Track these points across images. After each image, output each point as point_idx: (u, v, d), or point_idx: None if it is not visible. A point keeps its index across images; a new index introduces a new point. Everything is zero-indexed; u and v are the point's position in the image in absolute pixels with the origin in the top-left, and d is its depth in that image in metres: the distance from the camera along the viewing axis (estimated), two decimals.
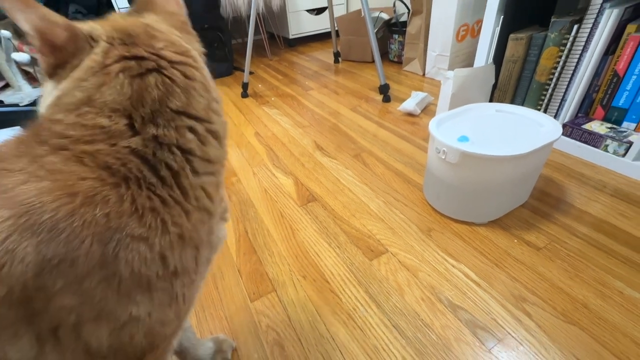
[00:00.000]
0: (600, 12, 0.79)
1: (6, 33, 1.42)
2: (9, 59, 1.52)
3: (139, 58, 0.25)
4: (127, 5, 1.62)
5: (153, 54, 0.26)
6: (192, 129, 0.27)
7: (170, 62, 0.27)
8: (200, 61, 0.30)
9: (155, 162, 0.25)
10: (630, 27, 0.78)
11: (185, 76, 0.27)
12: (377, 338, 0.51)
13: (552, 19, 0.88)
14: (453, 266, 0.62)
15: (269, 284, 0.62)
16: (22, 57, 1.51)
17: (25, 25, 0.23)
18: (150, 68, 0.26)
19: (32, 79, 1.75)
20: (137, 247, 0.23)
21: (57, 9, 1.67)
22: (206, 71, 0.30)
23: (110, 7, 1.76)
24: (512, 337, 0.50)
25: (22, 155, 0.22)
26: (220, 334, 0.54)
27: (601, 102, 0.87)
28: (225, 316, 0.57)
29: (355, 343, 0.51)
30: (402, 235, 0.69)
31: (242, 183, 0.91)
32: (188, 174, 0.27)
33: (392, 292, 0.58)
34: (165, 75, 0.26)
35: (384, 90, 1.32)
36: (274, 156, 1.03)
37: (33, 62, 1.66)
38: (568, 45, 0.86)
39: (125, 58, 0.25)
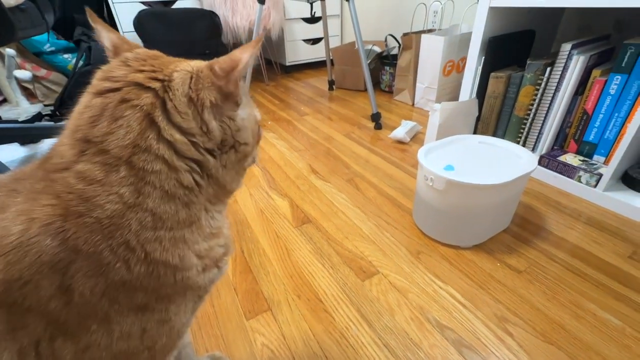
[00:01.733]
0: (569, 57, 0.88)
1: (10, 51, 1.46)
2: (10, 76, 1.55)
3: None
4: (132, 29, 1.69)
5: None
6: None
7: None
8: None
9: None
10: (596, 72, 0.88)
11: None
12: (369, 356, 0.53)
13: (528, 61, 0.98)
14: (440, 288, 0.65)
15: (264, 303, 0.63)
16: (24, 74, 1.55)
17: (106, 42, 0.29)
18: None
19: (30, 96, 1.78)
20: (88, 281, 0.23)
21: (64, 31, 1.72)
22: None
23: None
24: (495, 355, 0.53)
25: (30, 177, 0.25)
26: (217, 351, 0.55)
27: (574, 136, 0.95)
28: (221, 334, 0.58)
29: None
30: (392, 257, 0.73)
31: (239, 204, 0.94)
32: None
33: (383, 312, 0.61)
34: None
35: (375, 118, 1.39)
36: (270, 178, 1.06)
37: (34, 79, 1.69)
38: (542, 85, 0.95)
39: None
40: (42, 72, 1.71)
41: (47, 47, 1.72)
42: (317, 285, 0.67)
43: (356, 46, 1.52)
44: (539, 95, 0.97)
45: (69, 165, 0.24)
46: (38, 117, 1.60)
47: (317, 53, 2.37)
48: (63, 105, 1.60)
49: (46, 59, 1.73)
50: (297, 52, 2.31)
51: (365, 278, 0.68)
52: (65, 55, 1.78)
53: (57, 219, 0.23)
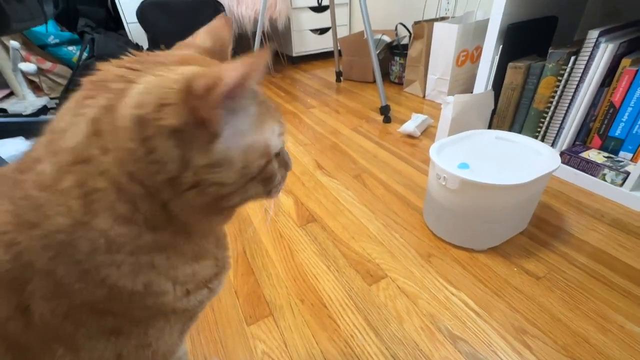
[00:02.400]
0: (596, 45, 0.81)
1: (15, 44, 1.44)
2: (15, 69, 1.54)
3: None
4: (135, 20, 1.65)
5: None
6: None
7: None
8: None
9: None
10: (625, 61, 0.81)
11: None
12: None
13: (550, 50, 0.91)
14: (453, 294, 0.61)
15: (265, 308, 0.61)
16: (29, 67, 1.53)
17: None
18: None
19: (36, 89, 1.77)
20: (47, 302, 0.21)
21: (68, 23, 1.69)
22: None
23: (118, 22, 1.80)
24: None
25: (2, 176, 0.23)
26: (215, 358, 0.53)
27: (598, 131, 0.89)
28: (220, 340, 0.56)
29: None
30: (401, 260, 0.69)
31: None
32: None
33: (390, 319, 0.57)
34: None
35: (384, 111, 1.34)
36: None
37: (39, 72, 1.68)
38: (565, 76, 0.89)
39: None
40: (48, 64, 1.70)
41: (52, 40, 1.70)
42: (322, 289, 0.64)
43: (365, 36, 1.46)
44: (561, 87, 0.90)
45: (33, 165, 0.21)
46: (43, 110, 1.59)
47: (324, 43, 2.31)
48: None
49: (51, 51, 1.71)
50: (304, 43, 2.25)
51: (372, 282, 0.64)
52: (70, 48, 1.75)
53: (11, 228, 0.20)
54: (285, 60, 2.37)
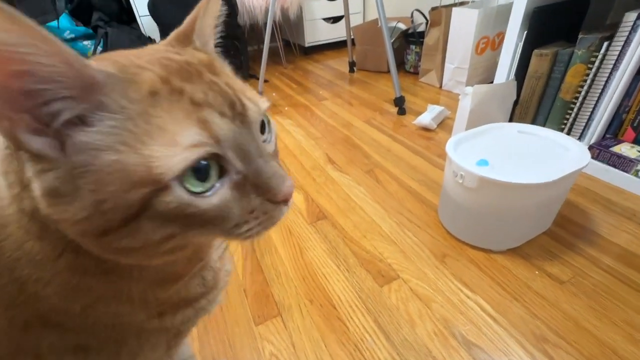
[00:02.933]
0: (633, 29, 0.74)
1: None
2: None
3: None
4: (147, 13, 1.65)
5: None
6: None
7: None
8: None
9: None
10: None
11: None
12: None
13: (580, 36, 0.84)
14: (468, 297, 0.58)
15: (274, 307, 0.60)
16: None
17: None
18: None
19: None
20: (4, 311, 0.20)
21: (83, 17, 1.70)
22: None
23: (131, 15, 1.80)
24: None
25: None
26: (223, 358, 0.52)
27: (632, 123, 0.82)
28: (228, 340, 0.55)
29: None
30: (414, 261, 0.66)
31: None
32: None
33: (402, 323, 0.55)
34: None
35: (399, 102, 1.29)
36: (285, 169, 1.01)
37: None
38: (597, 63, 0.82)
39: None
40: None
41: (68, 35, 1.72)
42: (331, 289, 0.62)
43: (379, 24, 1.40)
44: (591, 75, 0.84)
45: None
46: None
47: (337, 32, 2.25)
48: None
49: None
50: (317, 32, 2.19)
51: (384, 283, 0.62)
52: (85, 42, 1.77)
53: None
54: (297, 51, 2.33)
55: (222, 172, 0.19)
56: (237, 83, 0.21)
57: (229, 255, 0.32)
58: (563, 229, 0.70)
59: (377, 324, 0.55)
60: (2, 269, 0.19)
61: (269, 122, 0.24)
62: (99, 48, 1.62)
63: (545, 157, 0.63)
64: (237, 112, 0.19)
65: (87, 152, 0.16)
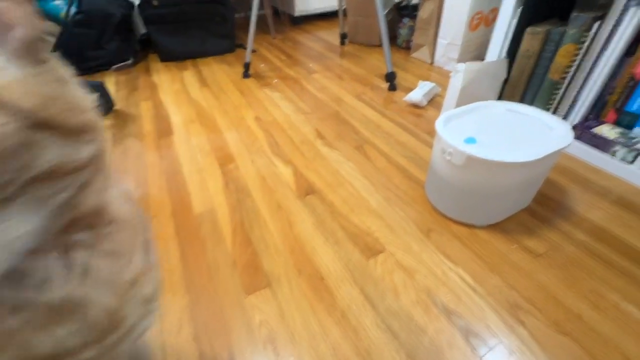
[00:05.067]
0: (625, 10, 0.75)
1: None
2: None
3: None
4: None
5: None
6: None
7: None
8: None
9: None
10: None
11: None
12: (370, 339, 0.51)
13: (573, 14, 0.84)
14: (450, 269, 0.61)
15: (263, 278, 0.61)
16: None
17: None
18: None
19: None
20: None
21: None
22: None
23: None
24: (505, 345, 0.50)
25: None
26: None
27: (615, 105, 0.84)
28: (219, 309, 0.57)
29: (348, 343, 0.51)
30: (400, 234, 0.68)
31: (240, 170, 0.89)
32: None
33: (387, 292, 0.58)
34: None
35: (390, 78, 1.27)
36: (274, 143, 1.00)
37: None
38: (587, 43, 0.82)
39: None
40: None
41: None
42: (320, 261, 0.64)
43: None
44: (580, 55, 0.84)
45: None
46: None
47: (329, 1, 2.15)
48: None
49: (37, 6, 1.60)
50: (307, 1, 2.10)
51: (370, 256, 0.64)
52: (57, 2, 1.64)
53: None
54: (286, 21, 2.24)
55: None
56: None
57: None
58: (542, 206, 0.73)
59: (363, 293, 0.58)
60: None
61: None
62: (73, 9, 1.50)
63: (531, 136, 0.64)
64: None
65: None
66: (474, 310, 0.54)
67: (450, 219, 0.71)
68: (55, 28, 1.63)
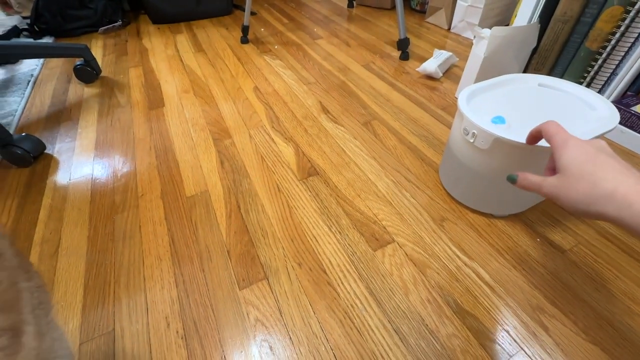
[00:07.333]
0: None
1: None
2: None
3: None
4: None
5: None
6: None
7: None
8: None
9: None
10: None
11: None
12: (375, 342, 0.47)
13: None
14: (465, 264, 0.55)
15: (260, 270, 0.56)
16: None
17: None
18: None
19: (5, 5, 1.55)
20: None
21: None
22: None
23: None
24: (525, 353, 0.45)
25: None
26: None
27: None
28: (210, 304, 0.52)
29: (351, 346, 0.46)
30: (411, 223, 0.62)
31: (237, 147, 0.82)
32: None
33: (395, 289, 0.52)
34: None
35: (402, 45, 1.15)
36: (274, 117, 0.91)
37: None
38: (637, 6, 0.71)
39: None
40: None
41: None
42: (321, 252, 0.58)
43: None
44: (627, 21, 0.73)
45: None
46: (15, 31, 1.41)
47: None
48: (40, 18, 1.39)
49: None
50: None
51: (377, 247, 0.58)
52: None
53: None
54: None
55: None
56: None
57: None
58: None
59: (369, 290, 0.53)
60: None
61: None
62: None
63: (570, 116, 0.55)
64: None
65: None
66: (492, 312, 0.49)
67: (467, 207, 0.64)
68: None
